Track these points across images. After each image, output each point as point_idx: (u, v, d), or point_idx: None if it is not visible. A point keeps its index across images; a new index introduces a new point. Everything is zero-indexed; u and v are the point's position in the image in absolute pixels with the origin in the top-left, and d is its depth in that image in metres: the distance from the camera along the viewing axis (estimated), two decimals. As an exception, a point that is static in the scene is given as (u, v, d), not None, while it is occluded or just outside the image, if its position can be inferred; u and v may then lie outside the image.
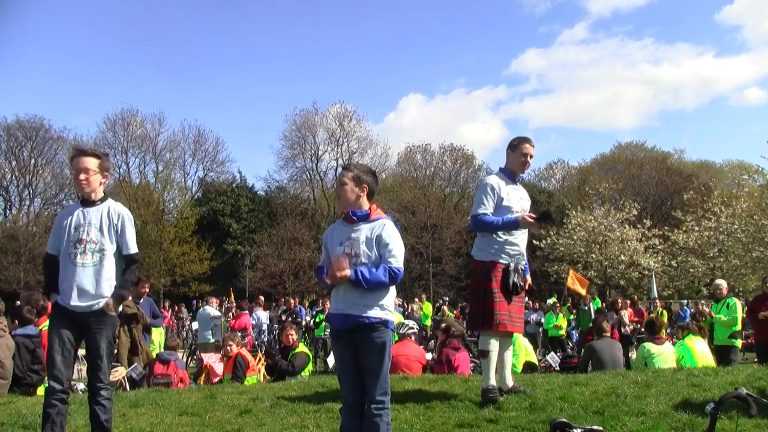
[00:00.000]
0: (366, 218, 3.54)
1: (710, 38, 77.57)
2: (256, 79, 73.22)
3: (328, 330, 16.54)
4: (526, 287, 4.97)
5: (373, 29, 75.35)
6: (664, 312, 13.70)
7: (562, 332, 16.47)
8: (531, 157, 5.02)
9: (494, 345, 4.80)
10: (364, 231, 3.50)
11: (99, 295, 3.87)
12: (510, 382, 5.07)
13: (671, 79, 72.54)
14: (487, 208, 4.79)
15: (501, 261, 4.80)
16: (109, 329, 3.96)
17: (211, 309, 14.16)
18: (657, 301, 17.28)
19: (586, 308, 16.27)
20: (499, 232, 4.80)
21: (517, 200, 4.92)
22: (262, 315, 17.67)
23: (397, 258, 3.46)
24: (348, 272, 3.34)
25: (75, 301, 3.83)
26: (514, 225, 4.78)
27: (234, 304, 20.43)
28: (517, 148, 4.99)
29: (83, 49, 68.18)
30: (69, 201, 38.86)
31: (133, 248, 4.02)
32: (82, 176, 3.91)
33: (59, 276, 3.91)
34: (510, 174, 5.01)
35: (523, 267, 4.93)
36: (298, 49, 73.09)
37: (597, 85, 75.71)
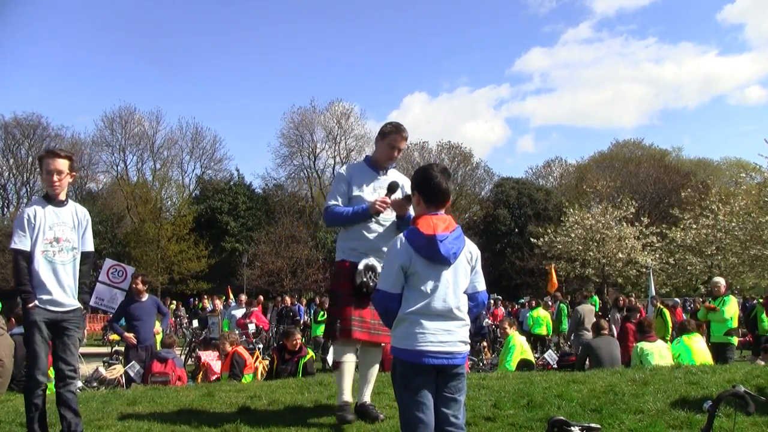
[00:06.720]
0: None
1: (713, 37, 77.89)
2: (255, 77, 73.39)
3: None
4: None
5: (377, 28, 75.62)
6: (666, 311, 13.51)
7: (541, 330, 15.93)
8: (399, 151, 4.36)
9: (347, 356, 4.24)
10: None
11: (74, 293, 4.10)
12: (365, 399, 4.37)
13: (673, 77, 72.89)
14: (338, 200, 4.31)
15: (351, 259, 4.24)
16: (82, 326, 4.21)
17: (239, 309, 14.32)
18: (655, 299, 17.15)
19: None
20: (350, 226, 4.29)
21: (372, 191, 4.31)
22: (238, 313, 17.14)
23: None
24: None
25: (60, 299, 3.99)
26: (363, 215, 4.22)
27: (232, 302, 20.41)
28: (386, 137, 4.34)
29: (81, 47, 68.29)
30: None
31: (91, 246, 4.28)
32: (56, 177, 4.06)
33: (32, 274, 3.96)
34: (372, 163, 4.46)
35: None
36: (299, 48, 73.34)
37: (599, 84, 76.04)
